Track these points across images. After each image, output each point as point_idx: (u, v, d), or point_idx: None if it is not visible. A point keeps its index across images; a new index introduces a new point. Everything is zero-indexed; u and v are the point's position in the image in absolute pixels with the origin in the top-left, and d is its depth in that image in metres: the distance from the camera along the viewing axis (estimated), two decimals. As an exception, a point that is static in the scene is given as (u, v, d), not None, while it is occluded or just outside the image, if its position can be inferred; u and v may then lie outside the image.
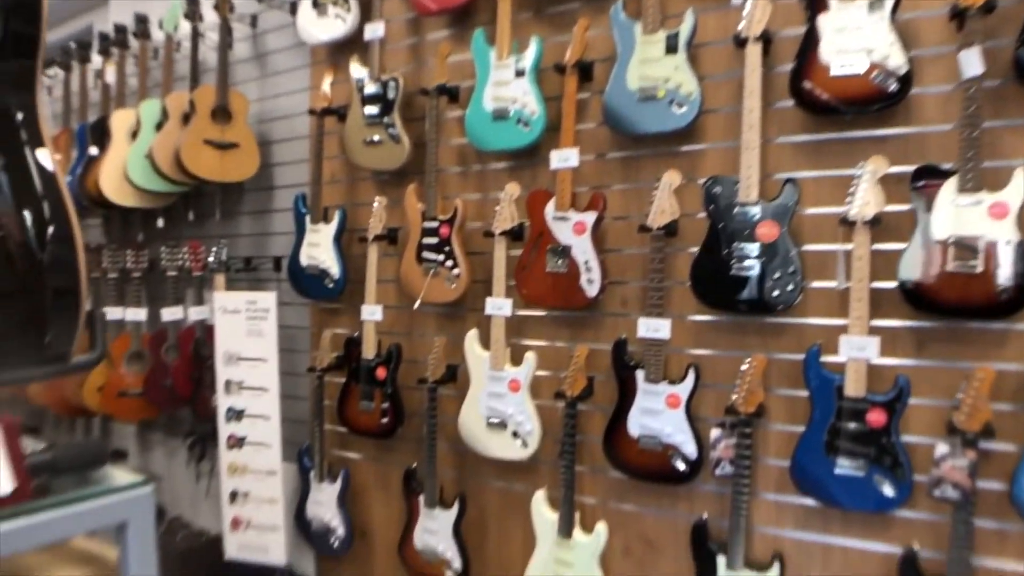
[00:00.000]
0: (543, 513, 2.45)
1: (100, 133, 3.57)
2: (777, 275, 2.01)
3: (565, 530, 2.37)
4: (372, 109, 2.77)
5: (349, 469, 3.00)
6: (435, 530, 2.64)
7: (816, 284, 2.07)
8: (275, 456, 3.02)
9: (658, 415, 2.22)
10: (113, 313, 3.59)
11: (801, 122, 2.10)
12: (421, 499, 2.66)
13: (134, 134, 3.40)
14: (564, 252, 2.35)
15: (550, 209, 2.38)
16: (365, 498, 3.07)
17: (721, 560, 2.11)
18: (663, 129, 2.19)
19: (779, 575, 2.09)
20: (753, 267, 2.03)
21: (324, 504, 2.97)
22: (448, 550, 2.62)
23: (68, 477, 0.89)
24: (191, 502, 3.70)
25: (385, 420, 2.76)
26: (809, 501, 2.08)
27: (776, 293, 2.02)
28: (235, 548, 3.08)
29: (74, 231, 0.76)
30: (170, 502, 3.80)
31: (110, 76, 3.84)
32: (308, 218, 2.98)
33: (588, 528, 2.39)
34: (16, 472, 0.66)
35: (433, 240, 2.62)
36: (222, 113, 3.16)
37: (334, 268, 2.90)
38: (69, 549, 1.15)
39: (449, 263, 2.58)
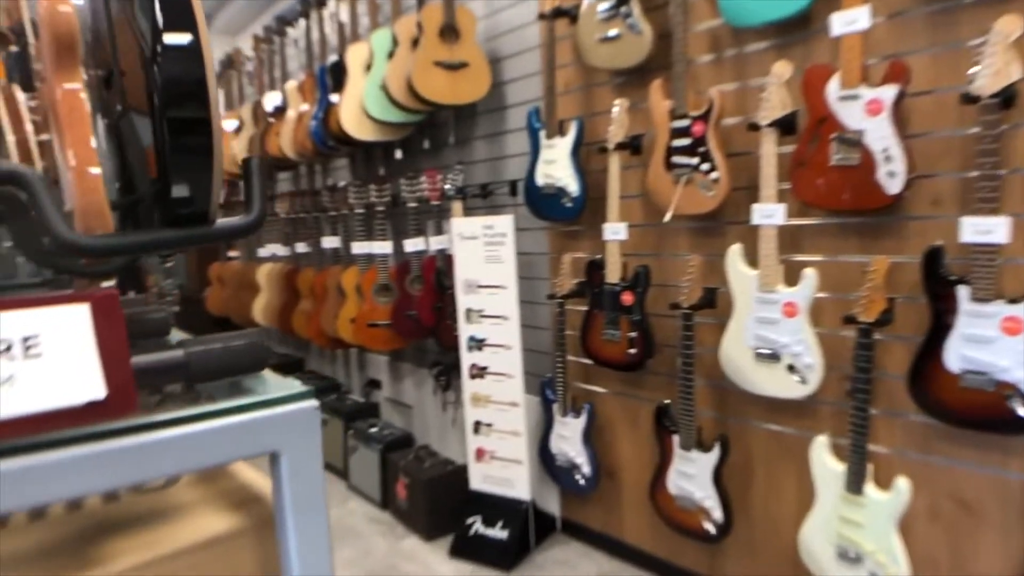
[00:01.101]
0: (826, 462, 2.03)
1: (338, 72, 3.61)
2: None
3: (854, 485, 1.94)
4: (606, 2, 2.43)
5: (594, 403, 2.79)
6: (692, 475, 2.34)
7: None
8: (517, 387, 2.90)
9: (989, 344, 1.70)
10: (361, 247, 3.68)
11: None
12: (675, 440, 2.37)
13: (368, 67, 3.39)
14: (854, 140, 1.86)
15: (833, 87, 1.90)
16: (612, 435, 2.85)
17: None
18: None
19: None
20: None
21: (568, 439, 2.80)
22: (707, 498, 2.31)
23: (208, 384, 0.63)
24: (439, 431, 3.76)
25: (633, 351, 2.48)
26: None
27: None
28: (479, 479, 3.04)
29: (203, 48, 0.54)
30: (419, 431, 3.90)
31: (344, 15, 3.89)
32: (542, 133, 2.74)
33: (883, 484, 1.94)
34: (115, 372, 0.47)
35: (684, 142, 2.25)
36: (450, 32, 3.00)
37: (572, 185, 2.65)
38: (210, 485, 0.83)
39: (705, 167, 2.20)
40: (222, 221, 0.62)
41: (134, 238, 0.57)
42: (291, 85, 4.21)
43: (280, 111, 4.31)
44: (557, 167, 2.70)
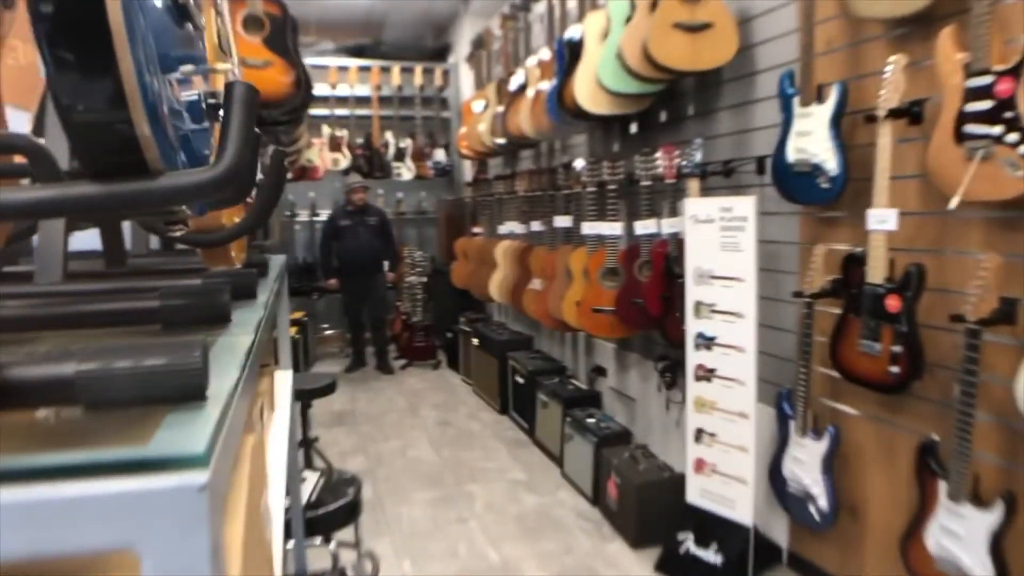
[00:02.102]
0: None
1: (576, 44, 3.43)
2: None
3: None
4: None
5: (840, 426, 2.33)
6: (961, 535, 1.83)
7: None
8: (749, 396, 2.53)
9: None
10: (590, 228, 3.50)
11: None
12: (942, 486, 1.87)
13: (605, 36, 3.16)
14: None
15: None
16: (859, 466, 2.37)
17: None
18: None
19: None
20: None
21: (805, 464, 2.37)
22: (978, 566, 1.79)
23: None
24: (660, 431, 3.47)
25: (895, 368, 2.00)
26: None
27: None
28: (697, 492, 2.72)
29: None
30: (639, 427, 3.64)
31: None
32: (796, 100, 2.32)
33: None
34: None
35: (983, 105, 1.72)
36: (694, -12, 2.67)
37: (830, 162, 2.21)
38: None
39: (1011, 138, 1.67)
40: (178, 175, 0.45)
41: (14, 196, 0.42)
42: (532, 62, 4.12)
43: (523, 89, 4.25)
44: (812, 140, 2.26)
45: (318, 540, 2.13)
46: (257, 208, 1.17)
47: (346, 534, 2.40)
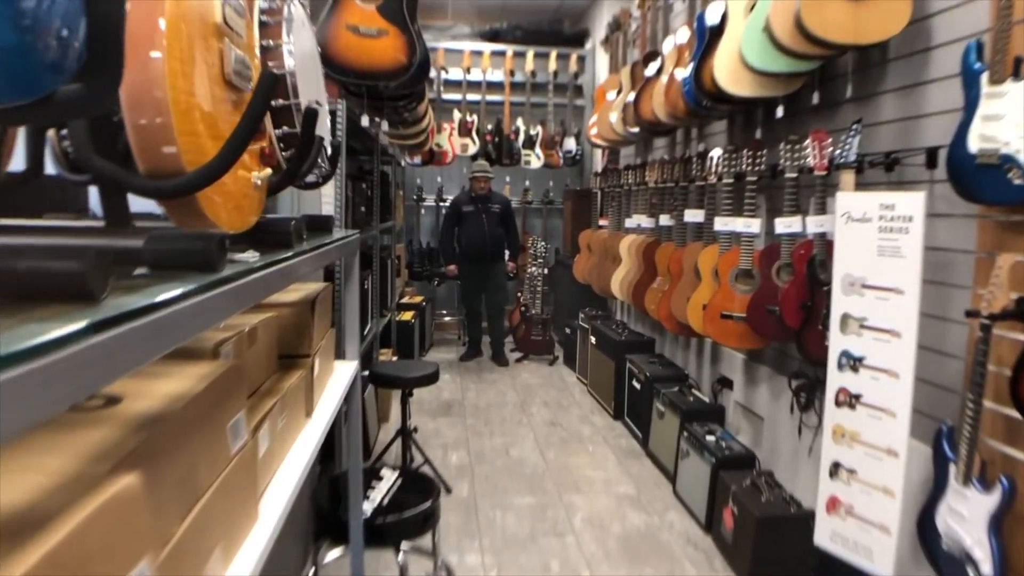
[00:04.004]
0: None
1: (719, 20, 3.09)
2: None
3: None
4: None
5: (1016, 478, 1.89)
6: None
7: None
8: (901, 430, 2.14)
9: None
10: (724, 223, 3.15)
11: None
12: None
13: (752, 8, 2.81)
14: None
15: None
16: (1044, 529, 1.92)
17: None
18: None
19: None
20: None
21: (966, 519, 1.95)
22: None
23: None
24: (789, 458, 3.07)
25: (1105, 416, 1.57)
26: None
27: None
28: (827, 535, 2.34)
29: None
30: (766, 451, 3.25)
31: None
32: (984, 77, 1.90)
33: None
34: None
35: None
36: (865, -52, 2.28)
37: (1027, 153, 1.78)
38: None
39: None
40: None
41: None
42: (669, 43, 3.80)
43: (659, 74, 3.94)
44: (1004, 125, 1.84)
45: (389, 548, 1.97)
46: (290, 168, 0.99)
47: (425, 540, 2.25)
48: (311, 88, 1.33)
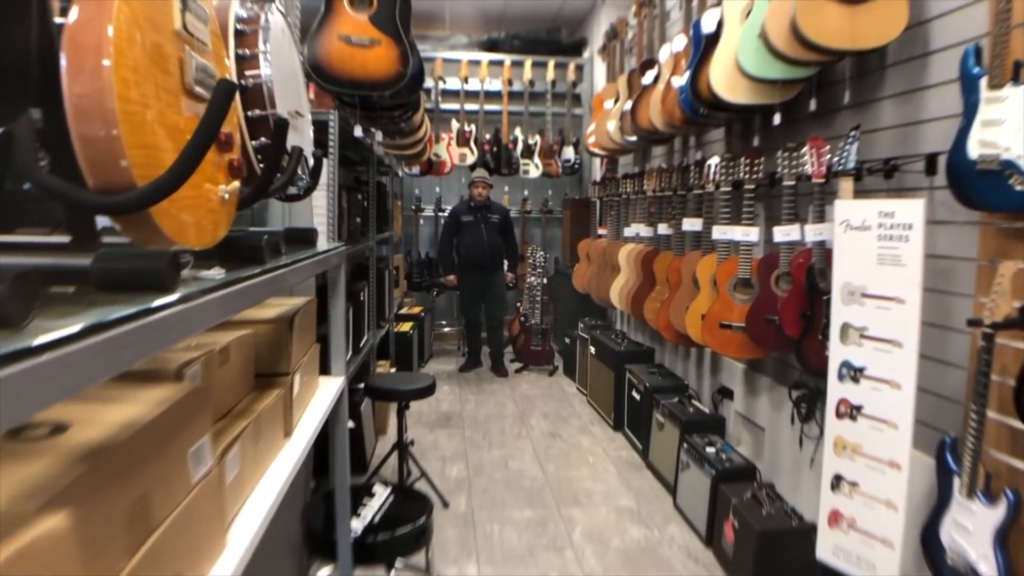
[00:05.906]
0: None
1: (711, 33, 3.06)
2: None
3: None
4: None
5: (1022, 491, 1.85)
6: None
7: None
8: (903, 443, 2.09)
9: None
10: (722, 232, 3.11)
11: None
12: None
13: (748, 15, 2.78)
14: None
15: None
16: (1052, 544, 1.87)
17: None
18: None
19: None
20: None
21: (971, 534, 1.90)
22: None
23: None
24: (790, 470, 3.02)
25: (1112, 428, 1.53)
26: None
27: None
28: (828, 549, 2.29)
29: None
30: (767, 462, 3.19)
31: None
32: (983, 83, 1.87)
33: None
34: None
35: None
36: (856, -47, 2.25)
37: (1028, 158, 1.74)
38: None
39: None
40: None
41: None
42: (666, 51, 3.77)
43: (655, 82, 3.91)
44: (1004, 130, 1.81)
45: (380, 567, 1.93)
46: (260, 181, 0.96)
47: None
48: (291, 98, 1.30)
